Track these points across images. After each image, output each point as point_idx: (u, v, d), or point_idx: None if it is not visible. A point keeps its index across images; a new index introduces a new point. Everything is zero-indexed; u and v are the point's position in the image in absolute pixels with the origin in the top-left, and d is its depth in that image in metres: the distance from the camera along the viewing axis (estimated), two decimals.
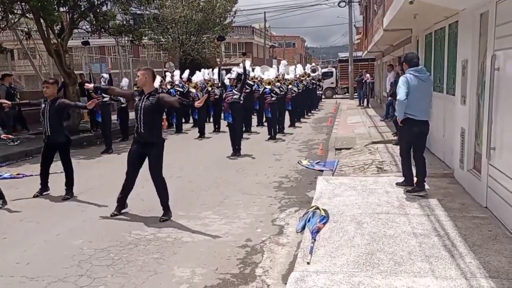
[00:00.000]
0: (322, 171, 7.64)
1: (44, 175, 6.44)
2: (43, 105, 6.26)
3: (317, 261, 3.74)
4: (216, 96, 13.82)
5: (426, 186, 5.59)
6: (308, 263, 3.71)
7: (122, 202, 5.44)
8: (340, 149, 9.66)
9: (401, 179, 5.94)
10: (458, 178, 6.09)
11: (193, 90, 13.32)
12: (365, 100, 20.85)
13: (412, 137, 5.57)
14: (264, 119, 14.15)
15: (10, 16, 13.15)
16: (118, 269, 3.94)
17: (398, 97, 5.42)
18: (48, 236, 4.79)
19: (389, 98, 12.95)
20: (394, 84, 10.54)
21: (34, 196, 6.31)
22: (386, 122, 13.31)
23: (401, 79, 5.50)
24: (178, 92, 13.99)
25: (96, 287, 3.61)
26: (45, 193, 6.43)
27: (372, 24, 16.88)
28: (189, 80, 14.90)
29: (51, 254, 4.29)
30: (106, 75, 11.40)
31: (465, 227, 4.35)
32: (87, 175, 6.69)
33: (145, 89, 5.26)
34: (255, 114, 14.73)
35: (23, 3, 12.42)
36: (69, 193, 6.32)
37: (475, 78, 5.46)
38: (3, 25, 13.49)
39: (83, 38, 23.43)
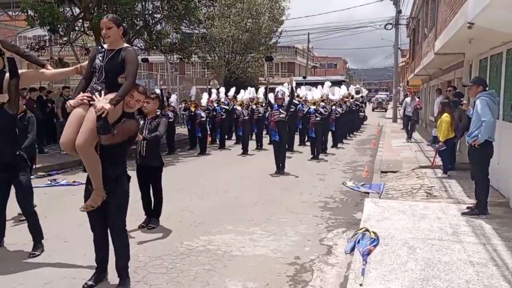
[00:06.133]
0: (368, 193, 7.55)
1: (147, 201, 5.71)
2: (141, 122, 5.35)
3: (370, 284, 3.71)
4: (260, 115, 14.05)
5: None
6: (360, 284, 3.68)
7: None
8: (386, 172, 9.50)
9: (454, 206, 5.79)
10: None
11: (239, 108, 13.60)
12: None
13: (488, 159, 5.63)
14: (306, 138, 14.17)
15: (72, 33, 14.04)
16: (172, 277, 4.07)
17: (485, 119, 5.40)
18: None
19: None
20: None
21: (139, 227, 5.49)
22: (433, 147, 12.96)
23: (482, 102, 5.52)
24: (224, 110, 14.32)
25: None
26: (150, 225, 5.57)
27: (420, 47, 16.65)
28: (234, 97, 15.24)
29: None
30: (158, 91, 11.86)
31: None
32: (135, 187, 6.89)
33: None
34: (297, 133, 14.79)
35: (84, 21, 13.26)
36: (155, 222, 5.60)
37: None
38: (65, 41, 14.39)
39: None
